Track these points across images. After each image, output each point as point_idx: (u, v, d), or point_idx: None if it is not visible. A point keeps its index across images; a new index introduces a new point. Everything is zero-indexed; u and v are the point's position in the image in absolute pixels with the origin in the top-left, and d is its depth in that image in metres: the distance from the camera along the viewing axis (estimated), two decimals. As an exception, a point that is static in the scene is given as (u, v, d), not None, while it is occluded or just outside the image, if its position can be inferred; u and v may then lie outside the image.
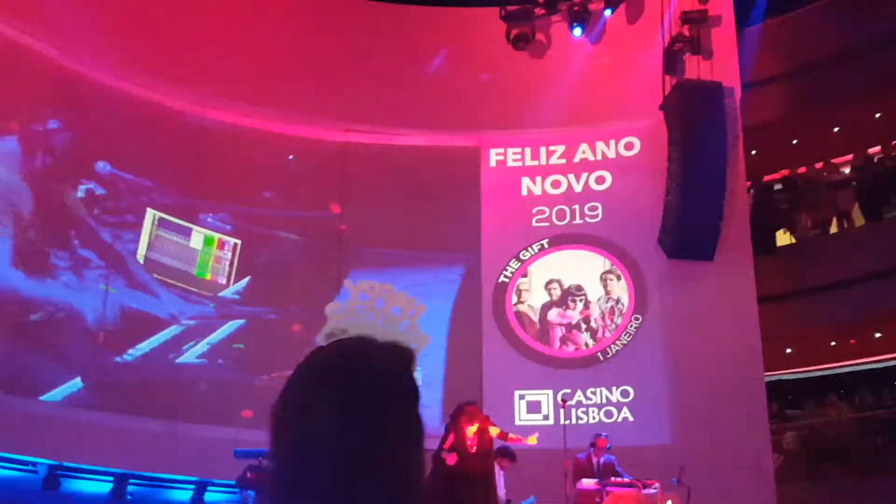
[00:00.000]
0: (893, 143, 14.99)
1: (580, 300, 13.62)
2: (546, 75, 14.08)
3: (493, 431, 9.51)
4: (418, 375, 1.27)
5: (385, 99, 13.85)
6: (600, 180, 13.99)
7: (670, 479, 10.21)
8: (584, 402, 13.02)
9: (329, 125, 13.94)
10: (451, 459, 9.04)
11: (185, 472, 12.08)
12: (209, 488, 12.13)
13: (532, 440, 9.69)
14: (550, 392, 13.06)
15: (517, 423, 12.72)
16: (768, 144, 14.65)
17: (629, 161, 13.90)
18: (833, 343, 16.15)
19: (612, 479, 10.28)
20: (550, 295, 13.75)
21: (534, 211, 14.03)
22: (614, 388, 13.02)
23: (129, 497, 11.69)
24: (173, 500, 12.22)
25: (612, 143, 14.03)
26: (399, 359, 1.25)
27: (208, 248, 13.35)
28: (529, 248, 13.91)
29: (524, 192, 14.16)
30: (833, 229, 14.65)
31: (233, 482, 9.55)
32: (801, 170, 15.79)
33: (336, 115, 13.81)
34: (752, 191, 14.52)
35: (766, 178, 15.79)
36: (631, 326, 13.28)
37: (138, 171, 12.89)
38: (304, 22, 13.99)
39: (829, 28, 14.00)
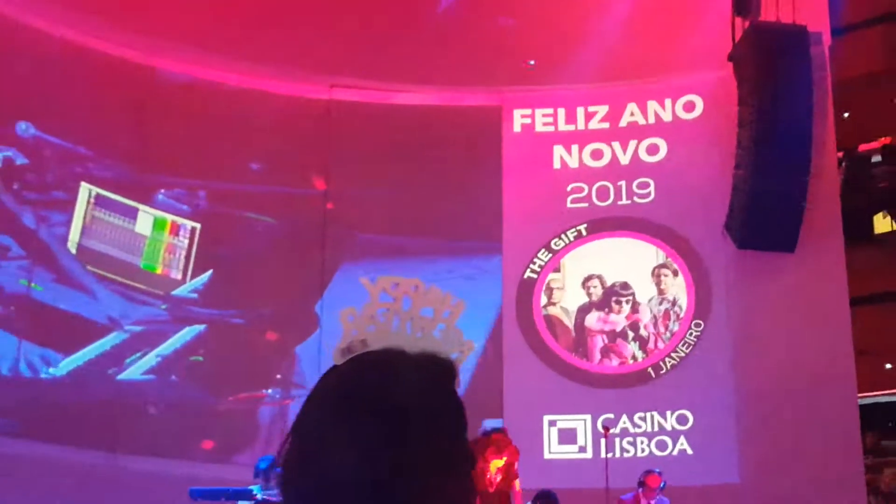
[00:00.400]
0: None
1: (626, 301, 13.59)
2: (585, 17, 13.90)
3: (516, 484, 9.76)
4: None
5: (380, 47, 13.71)
6: (653, 150, 13.90)
7: None
8: (631, 430, 12.99)
9: (310, 79, 13.90)
10: None
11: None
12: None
13: None
14: (588, 417, 13.04)
15: (546, 456, 12.85)
16: (865, 105, 14.77)
17: (689, 125, 13.84)
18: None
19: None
20: (589, 295, 13.75)
21: (569, 188, 13.97)
22: (669, 413, 12.97)
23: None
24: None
25: (667, 102, 14.00)
26: (436, 375, 1.26)
27: (159, 234, 13.28)
28: (563, 236, 13.86)
29: (557, 165, 14.12)
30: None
31: (189, 530, 9.61)
32: (906, 137, 15.71)
33: (319, 66, 13.74)
34: (844, 164, 14.39)
35: (862, 147, 15.70)
36: (690, 335, 13.23)
37: (70, 136, 12.82)
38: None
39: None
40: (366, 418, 1.19)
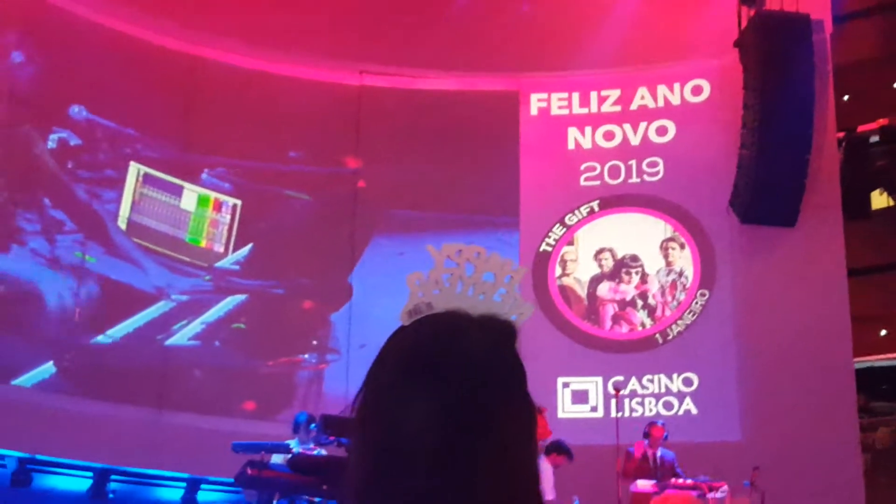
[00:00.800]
0: None
1: (636, 272, 13.68)
2: (598, 5, 14.00)
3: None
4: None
5: (406, 36, 13.93)
6: (662, 131, 13.99)
7: (741, 482, 10.23)
8: (640, 391, 13.10)
9: (341, 66, 14.01)
10: None
11: (175, 467, 12.25)
12: (203, 486, 12.32)
13: None
14: (600, 379, 13.13)
15: (560, 415, 12.83)
16: (864, 88, 14.63)
17: (696, 108, 13.88)
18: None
19: (673, 480, 10.30)
20: (601, 266, 13.83)
21: (582, 167, 14.05)
22: (675, 376, 13.07)
23: (110, 495, 11.88)
24: (161, 499, 12.45)
25: (676, 86, 14.02)
26: (498, 335, 1.26)
27: (203, 210, 13.41)
28: (577, 212, 13.97)
29: (571, 146, 14.20)
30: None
31: (231, 480, 9.61)
32: (903, 119, 15.69)
33: (349, 54, 13.85)
34: (843, 144, 14.41)
35: (861, 128, 15.68)
36: (696, 304, 13.31)
37: (120, 118, 12.91)
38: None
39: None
40: (434, 376, 1.19)
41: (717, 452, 11.65)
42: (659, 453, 10.66)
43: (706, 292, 13.28)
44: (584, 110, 14.26)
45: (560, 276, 13.83)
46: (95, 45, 12.54)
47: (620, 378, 12.63)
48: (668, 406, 12.99)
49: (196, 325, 13.09)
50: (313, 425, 9.44)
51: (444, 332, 1.24)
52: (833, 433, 11.92)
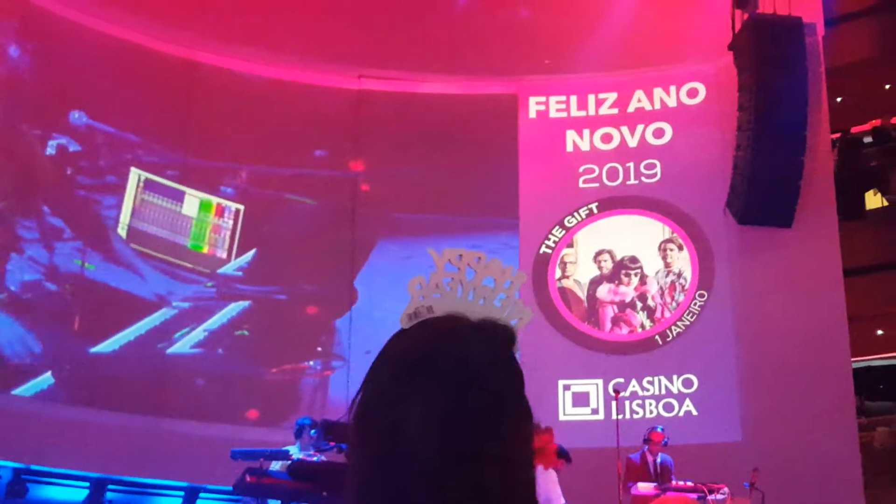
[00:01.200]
0: None
1: (635, 274, 13.60)
2: (595, 10, 13.96)
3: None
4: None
5: (405, 38, 13.84)
6: (659, 133, 13.93)
7: (741, 483, 10.15)
8: (640, 393, 13.01)
9: (340, 70, 13.94)
10: None
11: (173, 475, 12.05)
12: (201, 495, 12.16)
13: None
14: (600, 382, 13.05)
15: (561, 417, 12.81)
16: (856, 90, 14.66)
17: (693, 111, 13.84)
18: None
19: (674, 482, 10.18)
20: (600, 268, 13.75)
21: (581, 170, 13.98)
22: (675, 377, 12.99)
23: (107, 505, 11.73)
24: (159, 509, 12.28)
25: (672, 89, 13.99)
26: (497, 339, 1.25)
27: (205, 215, 13.28)
28: (576, 214, 13.89)
29: (569, 148, 14.13)
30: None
31: (229, 488, 9.40)
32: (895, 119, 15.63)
33: (348, 58, 13.78)
34: (837, 145, 14.39)
35: (854, 129, 15.71)
36: (695, 305, 13.24)
37: (120, 124, 12.79)
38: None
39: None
40: (431, 378, 1.18)
41: (718, 453, 11.68)
42: (659, 459, 10.55)
43: (705, 293, 13.23)
44: (582, 113, 14.21)
45: (560, 279, 13.77)
46: (95, 50, 12.44)
47: (621, 380, 12.65)
48: (668, 408, 12.91)
49: (199, 333, 12.93)
50: (314, 431, 9.27)
51: (442, 335, 1.24)
52: (832, 433, 11.85)
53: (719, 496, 9.94)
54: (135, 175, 12.84)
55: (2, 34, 12.05)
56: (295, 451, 9.11)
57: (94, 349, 12.24)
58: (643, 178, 13.79)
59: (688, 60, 13.78)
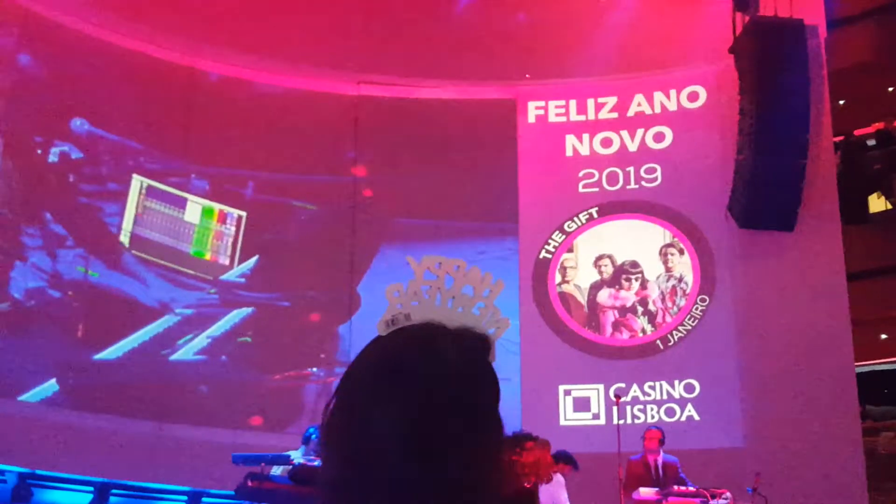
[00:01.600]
0: None
1: (636, 279, 13.54)
2: (595, 14, 13.94)
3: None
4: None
5: (404, 44, 13.85)
6: (659, 137, 13.86)
7: (744, 488, 10.09)
8: (641, 398, 12.96)
9: (339, 76, 13.92)
10: None
11: (175, 480, 12.06)
12: (204, 499, 12.14)
13: None
14: (601, 387, 13.02)
15: (562, 422, 12.85)
16: (859, 93, 14.66)
17: (693, 114, 13.78)
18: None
19: (676, 487, 10.08)
20: (601, 273, 13.70)
21: (580, 174, 13.92)
22: (676, 382, 12.94)
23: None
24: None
25: (672, 93, 13.94)
26: (474, 348, 1.25)
27: (207, 222, 13.23)
28: (576, 219, 13.83)
29: (569, 153, 14.07)
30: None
31: (231, 493, 9.44)
32: (899, 122, 15.61)
33: (347, 64, 13.79)
34: (840, 148, 14.30)
35: (857, 132, 15.68)
36: (696, 309, 13.16)
37: (122, 131, 12.77)
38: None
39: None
40: (405, 387, 1.18)
41: (720, 459, 11.69)
42: (661, 460, 10.45)
43: (706, 298, 13.18)
44: (582, 117, 14.19)
45: (560, 284, 13.73)
46: (96, 58, 12.47)
47: (622, 385, 12.73)
48: (669, 412, 12.85)
49: (202, 340, 12.88)
50: (315, 435, 9.27)
51: (417, 342, 1.25)
52: (835, 438, 11.82)
53: (721, 501, 9.91)
54: (137, 182, 12.81)
55: (4, 43, 12.09)
56: (296, 456, 9.11)
57: (97, 356, 12.23)
58: (643, 183, 13.75)
59: (688, 64, 13.76)
